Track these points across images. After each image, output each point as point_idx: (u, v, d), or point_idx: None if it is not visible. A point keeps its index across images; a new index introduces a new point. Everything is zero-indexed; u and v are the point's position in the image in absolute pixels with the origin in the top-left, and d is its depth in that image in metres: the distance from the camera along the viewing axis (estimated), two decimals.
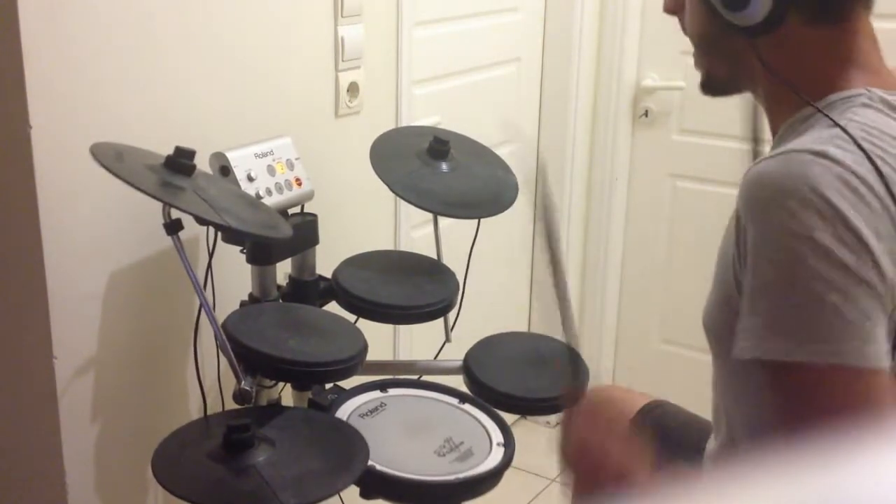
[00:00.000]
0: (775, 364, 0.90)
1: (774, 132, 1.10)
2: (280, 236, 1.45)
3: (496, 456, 1.50)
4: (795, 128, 1.03)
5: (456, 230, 1.86)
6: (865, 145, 0.94)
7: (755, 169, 0.96)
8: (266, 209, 1.55)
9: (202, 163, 1.52)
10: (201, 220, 1.41)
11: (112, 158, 1.32)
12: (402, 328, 2.22)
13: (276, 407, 1.57)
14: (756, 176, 0.95)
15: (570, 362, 1.37)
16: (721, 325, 1.03)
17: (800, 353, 0.88)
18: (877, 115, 0.98)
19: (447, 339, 1.80)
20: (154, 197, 1.29)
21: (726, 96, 1.16)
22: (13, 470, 1.64)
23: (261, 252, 1.62)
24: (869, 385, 0.88)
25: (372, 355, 1.54)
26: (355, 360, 1.47)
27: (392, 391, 1.66)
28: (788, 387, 0.91)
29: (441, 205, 1.68)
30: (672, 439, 1.51)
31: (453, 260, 1.81)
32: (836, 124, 0.96)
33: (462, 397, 1.65)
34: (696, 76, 1.16)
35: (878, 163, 0.93)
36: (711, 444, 1.20)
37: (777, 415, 0.92)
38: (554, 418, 2.77)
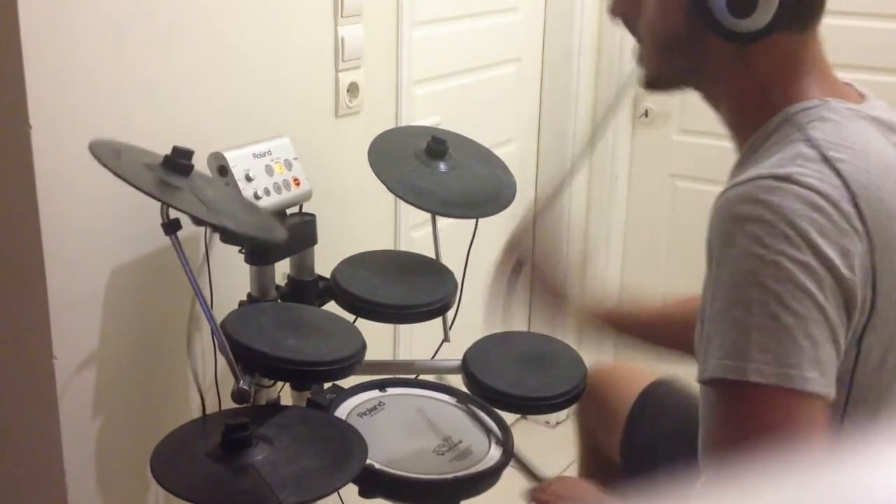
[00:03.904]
0: (725, 382, 0.91)
1: (739, 146, 1.10)
2: (274, 239, 1.45)
3: (494, 455, 1.51)
4: (758, 146, 1.03)
5: (455, 230, 1.87)
6: (830, 154, 0.94)
7: (722, 197, 0.96)
8: (262, 211, 1.55)
9: (201, 163, 1.52)
10: (197, 221, 1.41)
11: (110, 156, 1.33)
12: (401, 328, 2.22)
13: (274, 406, 1.57)
14: (723, 204, 0.95)
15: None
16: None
17: (751, 373, 0.89)
18: (835, 126, 0.99)
19: (446, 339, 1.80)
20: (151, 195, 1.29)
21: (667, 94, 1.16)
22: (13, 470, 1.64)
23: (259, 252, 1.62)
24: (810, 410, 0.89)
25: (371, 355, 1.54)
26: (354, 360, 1.47)
27: (391, 390, 1.66)
28: (736, 405, 0.92)
29: (439, 204, 1.68)
30: (679, 415, 1.50)
31: (452, 260, 1.81)
32: (801, 137, 0.96)
33: (461, 396, 1.65)
34: None
35: (844, 176, 0.93)
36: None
37: (722, 432, 0.93)
38: (553, 418, 2.78)
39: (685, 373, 1.55)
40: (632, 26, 1.14)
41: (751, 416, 0.91)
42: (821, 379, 0.89)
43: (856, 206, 0.92)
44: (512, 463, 1.40)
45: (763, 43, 1.02)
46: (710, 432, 0.96)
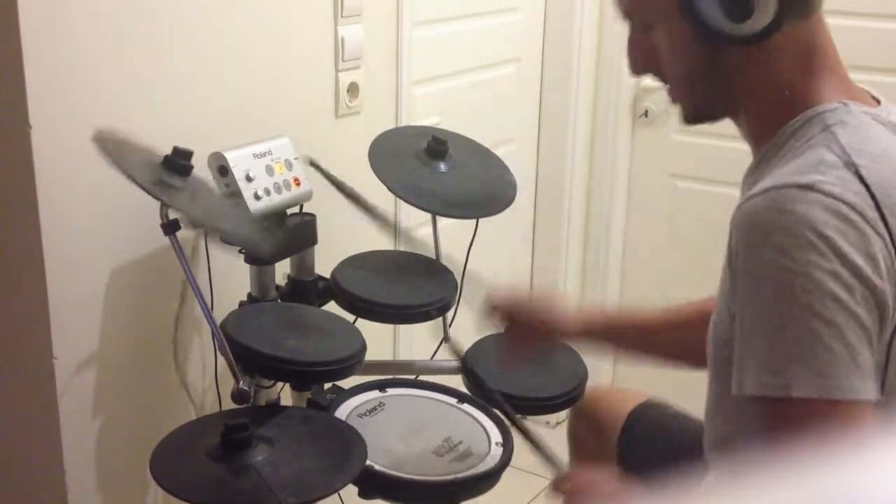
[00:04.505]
0: (770, 399, 0.91)
1: (757, 148, 1.10)
2: (260, 252, 1.47)
3: (495, 456, 1.50)
4: (780, 146, 1.03)
5: (455, 230, 1.87)
6: (854, 160, 0.94)
7: (744, 207, 0.96)
8: (253, 219, 1.55)
9: (201, 163, 1.52)
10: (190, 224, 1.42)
11: (113, 150, 1.33)
12: (402, 328, 2.22)
13: (274, 406, 1.57)
14: (746, 215, 0.95)
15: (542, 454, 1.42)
16: (722, 343, 1.04)
17: (793, 389, 0.89)
18: (855, 132, 0.98)
19: (446, 339, 1.80)
20: (150, 194, 1.29)
21: (715, 122, 1.16)
22: (13, 470, 1.64)
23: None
24: (857, 417, 0.89)
25: (371, 355, 1.54)
26: (354, 360, 1.47)
27: (391, 391, 1.66)
28: (783, 421, 0.92)
29: (439, 205, 1.68)
30: (671, 437, 1.51)
31: (452, 260, 1.81)
32: (822, 143, 0.96)
33: (461, 397, 1.65)
34: None
35: (867, 183, 0.93)
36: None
37: (771, 447, 0.93)
38: (553, 418, 2.78)
39: (674, 395, 1.57)
40: (658, 76, 1.16)
41: (798, 430, 0.90)
42: (862, 384, 0.89)
43: (880, 211, 0.92)
44: (533, 451, 1.41)
45: (775, 39, 1.02)
46: (757, 446, 0.96)
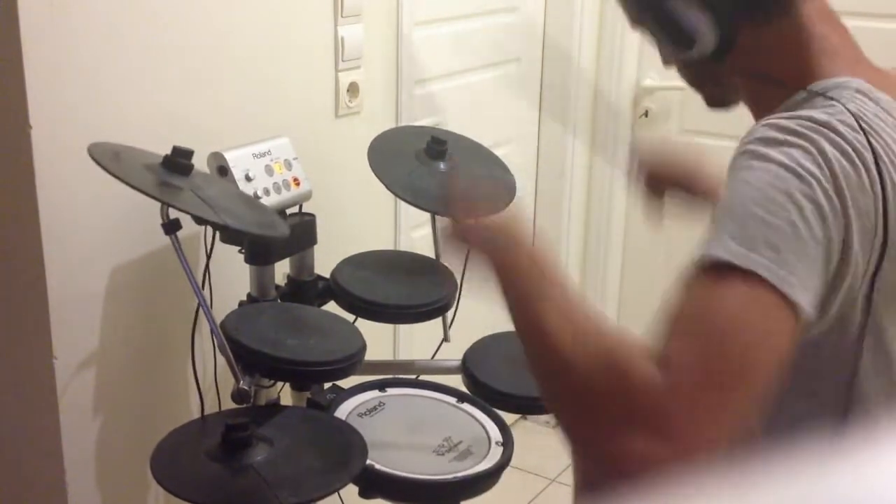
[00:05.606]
0: (713, 263, 0.88)
1: None
2: (277, 235, 1.46)
3: (495, 455, 1.50)
4: (790, 109, 1.04)
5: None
6: (862, 124, 0.95)
7: (761, 123, 0.96)
8: (263, 208, 1.55)
9: (201, 163, 1.52)
10: (199, 220, 1.41)
11: (110, 158, 1.33)
12: (401, 328, 2.22)
13: (274, 406, 1.57)
14: (762, 126, 0.95)
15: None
16: None
17: (754, 265, 0.86)
18: (864, 100, 0.99)
19: (445, 339, 1.80)
20: (151, 196, 1.29)
21: (733, 107, 1.17)
22: (13, 470, 1.64)
23: (259, 252, 1.62)
24: (789, 322, 0.87)
25: (371, 355, 1.54)
26: (354, 360, 1.47)
27: (391, 391, 1.66)
28: (722, 288, 0.87)
29: (439, 205, 1.68)
30: None
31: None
32: (838, 101, 0.97)
33: (461, 396, 1.65)
34: None
35: (873, 141, 0.94)
36: None
37: (691, 305, 0.88)
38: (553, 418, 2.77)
39: None
40: (706, 98, 1.18)
41: (725, 299, 0.86)
42: (810, 298, 0.88)
43: (879, 171, 0.93)
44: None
45: (742, 48, 1.05)
46: (673, 313, 0.89)
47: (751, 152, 0.94)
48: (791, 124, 0.94)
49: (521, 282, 1.02)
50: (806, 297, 0.88)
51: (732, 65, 1.07)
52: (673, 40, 1.07)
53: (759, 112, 1.10)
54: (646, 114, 2.79)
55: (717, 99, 1.17)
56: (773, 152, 0.92)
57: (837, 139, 0.92)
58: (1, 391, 1.61)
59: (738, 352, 0.85)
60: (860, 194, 0.92)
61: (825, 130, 0.93)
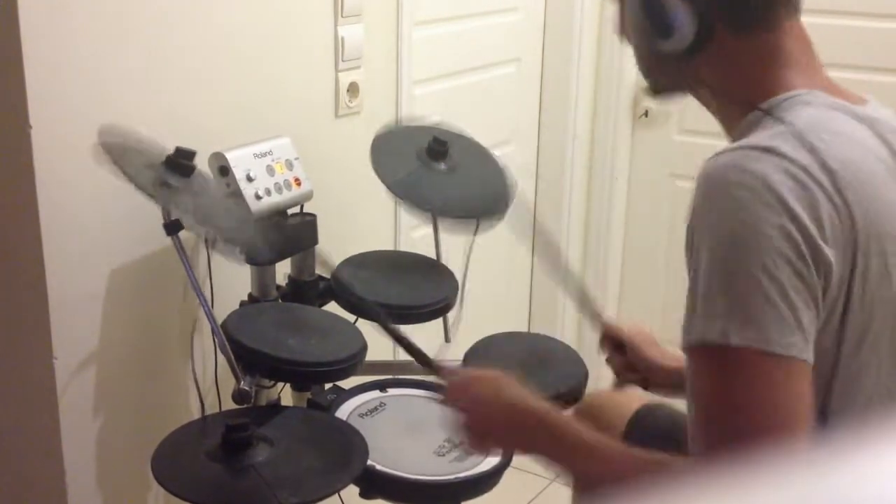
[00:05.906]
0: (709, 348, 0.92)
1: (729, 135, 1.13)
2: (256, 258, 1.47)
3: (495, 455, 1.50)
4: (744, 132, 1.06)
5: (455, 230, 1.86)
6: (811, 138, 0.97)
7: (706, 165, 0.99)
8: (247, 220, 1.55)
9: (202, 163, 1.52)
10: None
11: (115, 150, 1.33)
12: (402, 328, 2.22)
13: (274, 407, 1.57)
14: (707, 171, 0.98)
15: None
16: None
17: (734, 337, 0.90)
18: (817, 111, 1.00)
19: (446, 339, 1.80)
20: (150, 198, 1.29)
21: (674, 98, 1.21)
22: (13, 470, 1.64)
23: (252, 259, 1.62)
24: (792, 374, 0.91)
25: (371, 355, 1.54)
26: (355, 360, 1.47)
27: (391, 391, 1.66)
28: (718, 369, 0.93)
29: (439, 205, 1.68)
30: (676, 439, 1.51)
31: (453, 260, 1.81)
32: (783, 121, 1.00)
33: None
34: None
35: (822, 155, 0.96)
36: None
37: (705, 399, 0.95)
38: None
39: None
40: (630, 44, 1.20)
41: (734, 379, 0.92)
42: (800, 343, 0.91)
43: (835, 185, 0.95)
44: (409, 353, 1.35)
45: (711, 51, 1.06)
46: (693, 399, 0.96)
47: (703, 203, 0.96)
48: (736, 158, 0.96)
49: (544, 447, 1.10)
50: (796, 338, 0.91)
51: (697, 68, 1.09)
52: (652, 25, 1.08)
53: (722, 120, 1.13)
54: (646, 114, 2.79)
55: (661, 89, 1.19)
56: (722, 201, 0.94)
57: (784, 162, 0.94)
58: (1, 391, 1.60)
59: (763, 426, 0.90)
60: (814, 207, 0.93)
61: (770, 157, 0.95)
